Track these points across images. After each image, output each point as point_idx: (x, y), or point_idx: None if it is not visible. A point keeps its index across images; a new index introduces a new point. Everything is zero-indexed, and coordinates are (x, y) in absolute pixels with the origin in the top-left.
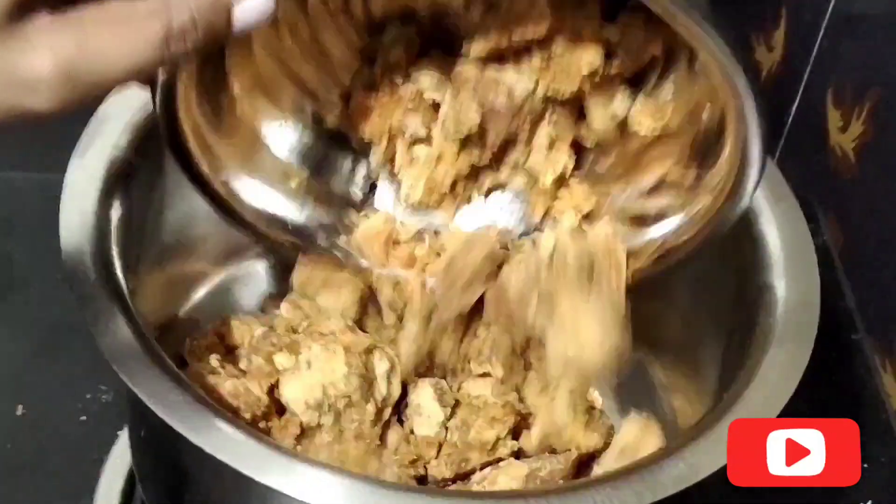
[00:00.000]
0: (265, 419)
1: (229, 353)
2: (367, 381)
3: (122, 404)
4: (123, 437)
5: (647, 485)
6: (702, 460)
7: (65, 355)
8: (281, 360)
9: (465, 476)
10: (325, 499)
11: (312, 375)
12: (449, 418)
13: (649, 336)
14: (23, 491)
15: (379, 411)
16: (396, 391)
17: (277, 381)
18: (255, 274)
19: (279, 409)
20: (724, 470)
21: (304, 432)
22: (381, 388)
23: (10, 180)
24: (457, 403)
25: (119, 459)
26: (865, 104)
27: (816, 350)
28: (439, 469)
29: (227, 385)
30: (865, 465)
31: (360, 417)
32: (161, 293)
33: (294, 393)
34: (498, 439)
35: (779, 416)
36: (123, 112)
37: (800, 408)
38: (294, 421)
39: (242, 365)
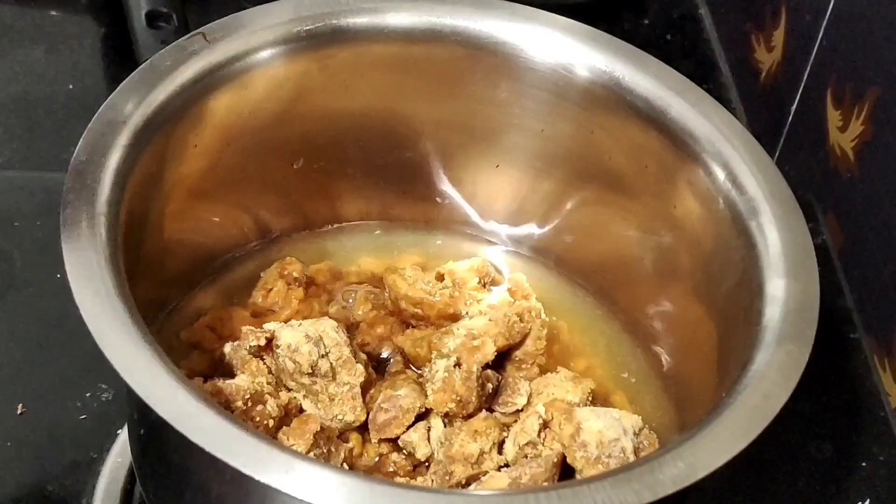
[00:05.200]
0: (259, 401)
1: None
2: (353, 348)
3: (121, 403)
4: (123, 436)
5: (647, 484)
6: (701, 459)
7: (64, 354)
8: (270, 325)
9: None
10: (325, 498)
11: (305, 327)
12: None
13: (648, 335)
14: (22, 490)
15: (368, 381)
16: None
17: (273, 336)
18: (256, 270)
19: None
20: (723, 469)
21: (292, 412)
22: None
23: (10, 180)
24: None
25: (119, 459)
26: (865, 104)
27: (815, 349)
28: (426, 484)
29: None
30: (864, 464)
31: (351, 380)
32: (162, 291)
33: (292, 334)
34: (482, 452)
35: (778, 415)
36: (123, 112)
37: (799, 407)
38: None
39: (226, 349)
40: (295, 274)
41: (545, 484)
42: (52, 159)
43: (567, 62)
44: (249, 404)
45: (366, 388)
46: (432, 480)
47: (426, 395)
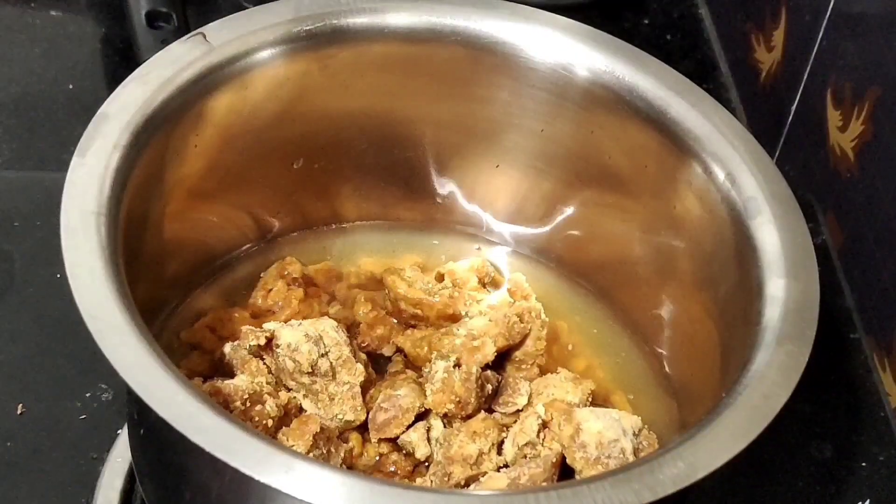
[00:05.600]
0: (258, 401)
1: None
2: (353, 348)
3: (121, 403)
4: (123, 436)
5: (647, 484)
6: (701, 459)
7: (65, 354)
8: (270, 325)
9: None
10: (325, 498)
11: (305, 327)
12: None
13: (648, 335)
14: (22, 490)
15: (368, 380)
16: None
17: (273, 335)
18: (256, 270)
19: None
20: (723, 469)
21: (292, 412)
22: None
23: (9, 179)
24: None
25: (119, 459)
26: (865, 104)
27: (815, 349)
28: (425, 485)
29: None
30: (864, 464)
31: (351, 379)
32: (162, 291)
33: (292, 333)
34: (481, 453)
35: (778, 415)
36: (124, 112)
37: (799, 407)
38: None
39: (226, 349)
40: (295, 274)
41: (544, 484)
42: (51, 159)
43: (567, 62)
44: (248, 404)
45: (366, 387)
46: (431, 481)
47: (426, 395)
